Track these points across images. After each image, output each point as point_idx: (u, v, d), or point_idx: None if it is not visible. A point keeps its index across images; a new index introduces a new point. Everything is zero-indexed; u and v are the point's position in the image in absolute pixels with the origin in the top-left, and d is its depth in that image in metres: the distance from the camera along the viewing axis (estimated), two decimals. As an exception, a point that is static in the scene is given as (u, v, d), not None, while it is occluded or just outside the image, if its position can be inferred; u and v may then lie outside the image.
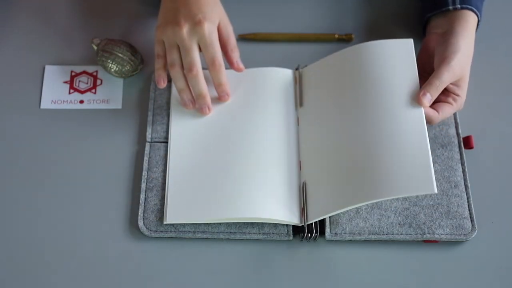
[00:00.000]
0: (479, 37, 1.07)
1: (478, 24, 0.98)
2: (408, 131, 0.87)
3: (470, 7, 0.96)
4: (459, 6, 0.96)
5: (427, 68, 0.94)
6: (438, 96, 0.91)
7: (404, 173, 0.84)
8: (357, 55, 0.95)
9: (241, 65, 0.97)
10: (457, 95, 0.93)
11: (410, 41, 0.94)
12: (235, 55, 0.97)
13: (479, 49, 1.05)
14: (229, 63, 0.98)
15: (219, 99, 0.97)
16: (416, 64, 0.92)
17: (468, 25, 0.95)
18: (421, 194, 0.88)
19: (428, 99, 0.89)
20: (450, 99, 0.93)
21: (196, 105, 0.97)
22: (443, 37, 0.95)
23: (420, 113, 0.88)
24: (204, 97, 0.96)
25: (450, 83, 0.92)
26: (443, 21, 0.97)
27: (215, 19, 0.95)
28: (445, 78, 0.90)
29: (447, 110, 0.92)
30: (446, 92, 0.93)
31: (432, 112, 0.90)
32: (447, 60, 0.91)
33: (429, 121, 0.90)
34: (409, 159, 0.85)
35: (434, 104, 0.92)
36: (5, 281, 0.88)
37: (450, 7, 0.96)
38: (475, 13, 0.96)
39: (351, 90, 0.93)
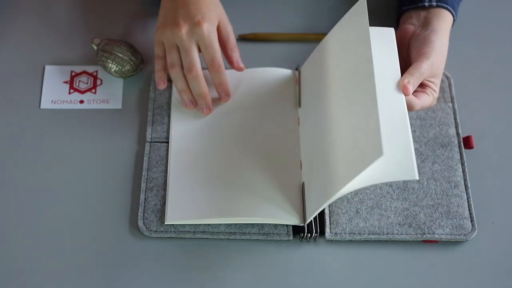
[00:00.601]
0: (479, 37, 1.07)
1: (453, 24, 0.99)
2: (390, 117, 0.85)
3: (445, 5, 0.97)
4: (434, 3, 0.97)
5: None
6: (417, 87, 0.92)
7: (386, 159, 0.81)
8: (340, 42, 0.94)
9: (241, 64, 0.98)
10: (434, 90, 0.93)
11: (392, 30, 0.93)
12: (235, 55, 0.97)
13: (479, 49, 1.06)
14: (229, 63, 0.98)
15: (219, 99, 0.97)
16: (397, 52, 0.91)
17: (445, 24, 0.96)
18: (403, 180, 0.86)
19: (412, 87, 0.88)
20: (428, 91, 0.92)
21: (197, 106, 0.97)
22: (420, 31, 0.95)
23: (401, 100, 0.86)
24: (205, 97, 0.96)
25: (427, 79, 0.92)
26: (418, 15, 0.98)
27: (214, 19, 0.95)
28: (424, 71, 0.90)
29: (425, 100, 0.92)
30: (423, 85, 0.93)
31: (413, 98, 0.90)
32: (426, 55, 0.91)
33: (410, 108, 0.90)
34: (391, 145, 0.82)
35: (414, 93, 0.91)
36: (6, 280, 0.88)
37: (426, 4, 0.97)
38: (450, 12, 0.97)
39: (337, 81, 0.92)
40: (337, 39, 0.94)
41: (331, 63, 0.94)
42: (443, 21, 0.96)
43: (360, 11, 0.91)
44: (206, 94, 0.96)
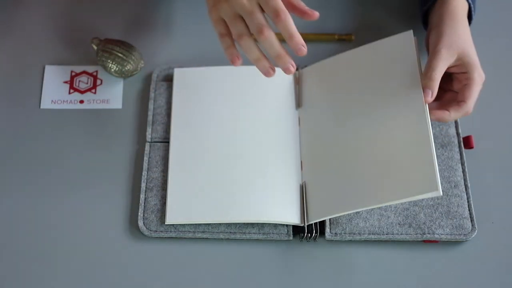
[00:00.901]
0: (480, 37, 1.07)
1: (471, 12, 0.96)
2: (411, 132, 0.86)
3: None
4: None
5: None
6: (452, 85, 0.90)
7: (408, 176, 0.84)
8: (357, 58, 0.96)
9: (315, 12, 0.87)
10: (465, 72, 0.90)
11: (410, 34, 0.93)
12: (302, 4, 0.88)
13: (479, 49, 1.05)
14: (301, 15, 0.87)
15: (296, 53, 0.86)
16: (417, 56, 0.91)
17: (452, 10, 0.93)
18: (426, 197, 0.86)
19: (428, 94, 0.87)
20: (464, 80, 0.90)
21: (280, 67, 0.87)
22: (433, 30, 0.94)
23: (425, 117, 0.86)
24: (284, 57, 0.85)
25: (453, 66, 0.90)
26: (435, 15, 0.95)
27: None
28: (436, 65, 0.88)
29: (468, 92, 0.89)
30: (454, 77, 0.90)
31: (446, 113, 0.89)
32: (434, 47, 0.90)
33: (466, 112, 0.89)
34: (413, 161, 0.85)
35: (459, 92, 0.90)
36: (6, 280, 0.88)
37: None
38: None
39: (352, 92, 0.94)
40: (373, 58, 0.95)
41: (356, 76, 0.95)
42: (451, 6, 0.93)
43: (406, 40, 0.92)
44: (284, 53, 0.85)
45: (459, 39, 0.91)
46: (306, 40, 1.04)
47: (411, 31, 0.93)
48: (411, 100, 0.88)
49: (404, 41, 0.93)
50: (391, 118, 0.89)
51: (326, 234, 0.90)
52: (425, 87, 0.87)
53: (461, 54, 0.90)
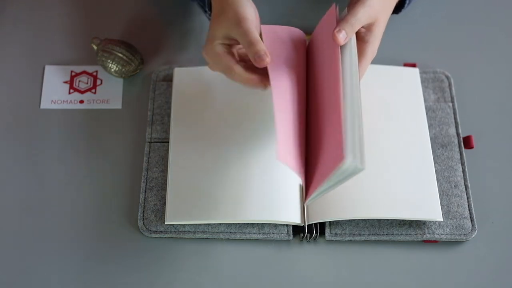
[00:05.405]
0: (479, 37, 1.07)
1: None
2: (416, 159, 0.92)
3: None
4: None
5: None
6: None
7: (410, 197, 0.89)
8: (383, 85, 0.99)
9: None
10: (366, 42, 0.88)
11: (416, 71, 0.98)
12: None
13: (479, 49, 1.06)
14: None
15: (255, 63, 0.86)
16: (421, 90, 0.97)
17: None
18: (427, 220, 0.90)
19: (343, 35, 0.84)
20: (360, 46, 0.88)
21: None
22: None
23: (427, 146, 0.94)
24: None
25: (362, 28, 0.88)
26: None
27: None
28: (360, 16, 0.85)
29: (361, 61, 0.87)
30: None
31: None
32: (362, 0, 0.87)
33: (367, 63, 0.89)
34: (416, 184, 0.90)
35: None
36: (5, 278, 0.88)
37: None
38: None
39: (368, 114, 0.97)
40: (381, 81, 0.99)
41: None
42: None
43: (413, 77, 0.99)
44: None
45: (384, 7, 0.90)
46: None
47: (417, 69, 0.99)
48: (418, 129, 0.95)
49: (410, 75, 0.99)
50: (396, 132, 0.95)
51: (326, 234, 0.90)
52: (342, 29, 0.84)
53: (378, 21, 0.89)
